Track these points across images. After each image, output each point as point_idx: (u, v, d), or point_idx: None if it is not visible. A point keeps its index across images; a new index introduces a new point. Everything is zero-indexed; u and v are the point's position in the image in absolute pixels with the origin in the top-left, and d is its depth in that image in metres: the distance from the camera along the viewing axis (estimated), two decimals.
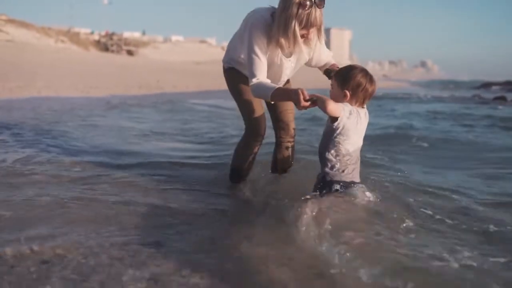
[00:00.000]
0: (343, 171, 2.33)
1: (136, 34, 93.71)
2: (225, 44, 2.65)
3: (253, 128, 2.88)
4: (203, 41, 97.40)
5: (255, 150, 2.96)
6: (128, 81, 16.88)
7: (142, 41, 78.34)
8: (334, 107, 2.23)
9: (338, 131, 2.30)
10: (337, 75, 2.39)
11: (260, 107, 2.86)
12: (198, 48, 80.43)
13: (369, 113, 2.47)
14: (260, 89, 2.52)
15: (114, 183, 3.16)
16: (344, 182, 2.34)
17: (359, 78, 2.29)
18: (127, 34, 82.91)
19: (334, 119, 2.28)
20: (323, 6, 2.38)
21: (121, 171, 3.52)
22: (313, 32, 2.43)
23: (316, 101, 2.27)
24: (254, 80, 2.53)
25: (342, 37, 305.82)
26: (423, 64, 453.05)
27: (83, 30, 75.44)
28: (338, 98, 2.33)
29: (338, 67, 2.66)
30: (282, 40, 2.44)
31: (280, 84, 2.82)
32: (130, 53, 58.17)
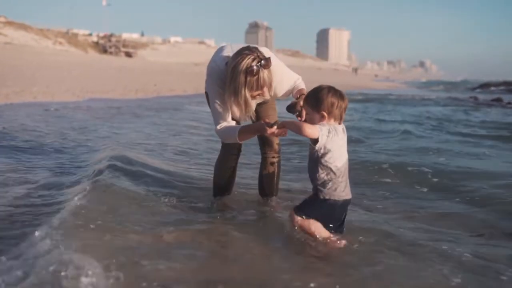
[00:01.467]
0: (335, 189, 2.39)
1: (135, 35, 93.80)
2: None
3: (226, 143, 3.00)
4: (201, 42, 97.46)
5: (231, 164, 3.08)
6: (126, 84, 16.87)
7: (141, 42, 78.44)
8: (312, 130, 2.30)
9: (322, 152, 2.36)
10: (307, 101, 2.43)
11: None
12: (197, 49, 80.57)
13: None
14: (226, 133, 2.65)
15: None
16: (337, 200, 2.40)
17: (330, 97, 2.35)
18: (125, 35, 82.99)
19: (315, 140, 2.33)
20: (270, 65, 2.45)
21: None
22: (267, 87, 2.50)
23: (286, 126, 2.40)
24: (218, 127, 2.67)
25: (341, 38, 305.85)
26: (422, 64, 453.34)
27: (82, 32, 75.50)
28: (316, 121, 2.39)
29: (304, 92, 2.70)
30: (235, 108, 2.53)
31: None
32: (128, 54, 58.17)
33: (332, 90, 2.38)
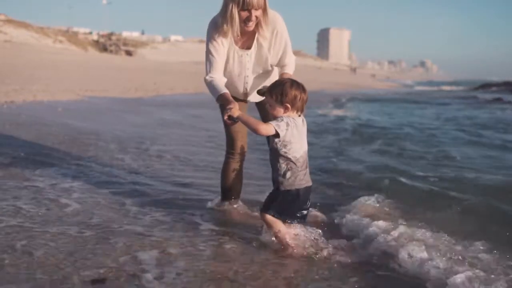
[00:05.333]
0: (295, 178, 2.53)
1: (135, 34, 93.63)
2: None
3: (228, 144, 3.07)
4: (202, 41, 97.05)
5: (234, 166, 3.08)
6: (126, 83, 16.85)
7: (141, 41, 78.27)
8: (266, 129, 2.45)
9: (280, 143, 2.50)
10: (271, 93, 2.54)
11: (240, 126, 2.89)
12: (197, 48, 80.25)
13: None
14: (211, 89, 2.72)
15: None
16: (298, 189, 2.54)
17: (293, 91, 2.49)
18: (126, 34, 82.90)
19: (276, 135, 2.47)
20: None
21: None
22: (256, 13, 2.58)
23: (241, 120, 2.51)
24: (208, 78, 2.74)
25: (341, 37, 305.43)
26: (423, 64, 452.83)
27: (82, 30, 75.41)
28: (279, 112, 2.52)
29: (287, 76, 2.78)
30: (225, 26, 2.62)
31: (248, 82, 2.90)
32: (128, 53, 58.09)
33: (295, 84, 2.52)
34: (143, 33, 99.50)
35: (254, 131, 2.47)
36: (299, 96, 2.48)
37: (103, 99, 11.51)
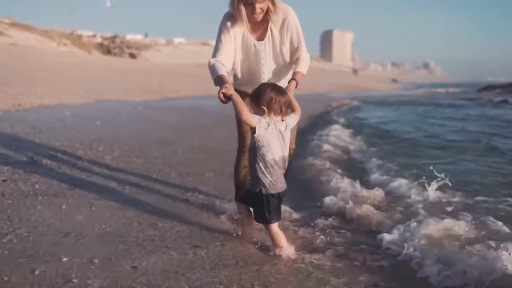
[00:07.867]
0: (275, 181, 2.54)
1: (138, 37, 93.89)
2: None
3: (239, 141, 3.11)
4: (205, 43, 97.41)
5: (245, 163, 3.10)
6: (130, 85, 16.89)
7: (144, 43, 78.53)
8: (249, 117, 2.46)
9: (259, 143, 2.50)
10: (251, 97, 2.60)
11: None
12: (200, 50, 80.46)
13: None
14: (211, 70, 2.75)
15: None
16: (278, 193, 2.56)
17: (269, 93, 2.51)
18: (129, 37, 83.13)
19: (253, 130, 2.49)
20: None
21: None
22: (260, 6, 2.64)
23: (232, 100, 2.50)
24: (212, 61, 2.78)
25: (344, 39, 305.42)
26: (426, 66, 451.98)
27: (86, 33, 75.68)
28: (259, 115, 2.54)
29: (299, 75, 2.82)
30: (236, 18, 2.70)
31: (265, 80, 2.91)
32: (132, 56, 58.26)
33: (272, 86, 2.57)
34: (146, 35, 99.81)
35: (238, 113, 2.48)
36: (274, 98, 2.50)
37: (109, 102, 11.53)
